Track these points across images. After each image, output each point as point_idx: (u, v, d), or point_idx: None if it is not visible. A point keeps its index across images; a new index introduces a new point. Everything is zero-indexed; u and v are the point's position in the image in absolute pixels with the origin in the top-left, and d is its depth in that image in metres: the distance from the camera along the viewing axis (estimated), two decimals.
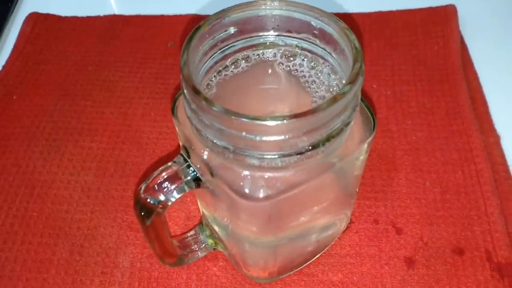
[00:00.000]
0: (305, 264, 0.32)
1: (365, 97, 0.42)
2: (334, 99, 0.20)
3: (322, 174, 0.23)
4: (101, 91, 0.44)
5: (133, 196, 0.36)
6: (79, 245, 0.34)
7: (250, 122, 0.19)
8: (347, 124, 0.22)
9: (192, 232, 0.32)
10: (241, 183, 0.22)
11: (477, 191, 0.35)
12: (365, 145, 0.25)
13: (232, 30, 0.25)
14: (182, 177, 0.24)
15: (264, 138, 0.20)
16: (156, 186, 0.24)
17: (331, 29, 0.24)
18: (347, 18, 0.49)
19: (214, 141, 0.21)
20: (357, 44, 0.22)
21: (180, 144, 0.26)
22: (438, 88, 0.42)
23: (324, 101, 0.20)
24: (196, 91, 0.21)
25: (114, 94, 0.44)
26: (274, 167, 0.21)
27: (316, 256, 0.32)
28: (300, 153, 0.21)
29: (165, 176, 0.24)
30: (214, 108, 0.20)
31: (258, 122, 0.20)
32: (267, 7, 0.25)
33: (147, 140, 0.40)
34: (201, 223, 0.33)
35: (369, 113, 0.25)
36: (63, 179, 0.38)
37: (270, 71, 0.26)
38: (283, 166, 0.21)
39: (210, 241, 0.31)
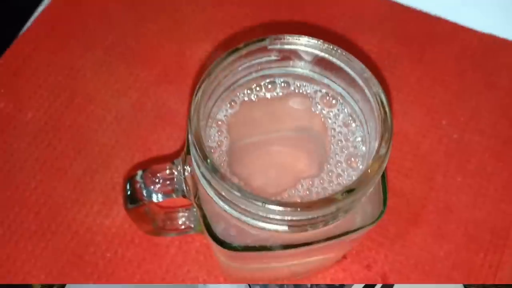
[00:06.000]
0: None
1: (427, 130, 0.38)
2: (327, 201, 0.18)
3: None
4: (169, 20, 0.43)
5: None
6: (94, 169, 0.36)
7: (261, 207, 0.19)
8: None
9: (185, 212, 0.32)
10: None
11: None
12: (363, 229, 0.23)
13: (273, 57, 0.22)
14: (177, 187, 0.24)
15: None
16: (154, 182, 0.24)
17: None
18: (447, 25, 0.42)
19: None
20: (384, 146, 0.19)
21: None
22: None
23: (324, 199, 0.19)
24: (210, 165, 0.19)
25: (180, 27, 0.42)
26: None
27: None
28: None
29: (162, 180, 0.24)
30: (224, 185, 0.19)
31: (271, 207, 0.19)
32: None
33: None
34: None
35: (382, 197, 0.22)
36: (104, 99, 0.39)
37: (304, 106, 0.24)
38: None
39: (200, 227, 0.32)
